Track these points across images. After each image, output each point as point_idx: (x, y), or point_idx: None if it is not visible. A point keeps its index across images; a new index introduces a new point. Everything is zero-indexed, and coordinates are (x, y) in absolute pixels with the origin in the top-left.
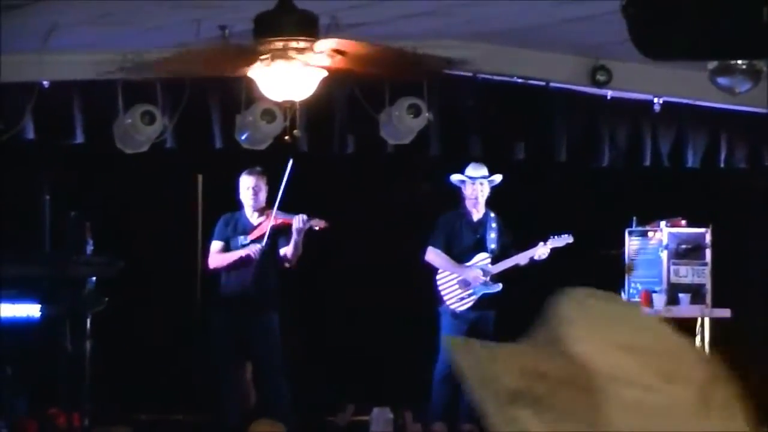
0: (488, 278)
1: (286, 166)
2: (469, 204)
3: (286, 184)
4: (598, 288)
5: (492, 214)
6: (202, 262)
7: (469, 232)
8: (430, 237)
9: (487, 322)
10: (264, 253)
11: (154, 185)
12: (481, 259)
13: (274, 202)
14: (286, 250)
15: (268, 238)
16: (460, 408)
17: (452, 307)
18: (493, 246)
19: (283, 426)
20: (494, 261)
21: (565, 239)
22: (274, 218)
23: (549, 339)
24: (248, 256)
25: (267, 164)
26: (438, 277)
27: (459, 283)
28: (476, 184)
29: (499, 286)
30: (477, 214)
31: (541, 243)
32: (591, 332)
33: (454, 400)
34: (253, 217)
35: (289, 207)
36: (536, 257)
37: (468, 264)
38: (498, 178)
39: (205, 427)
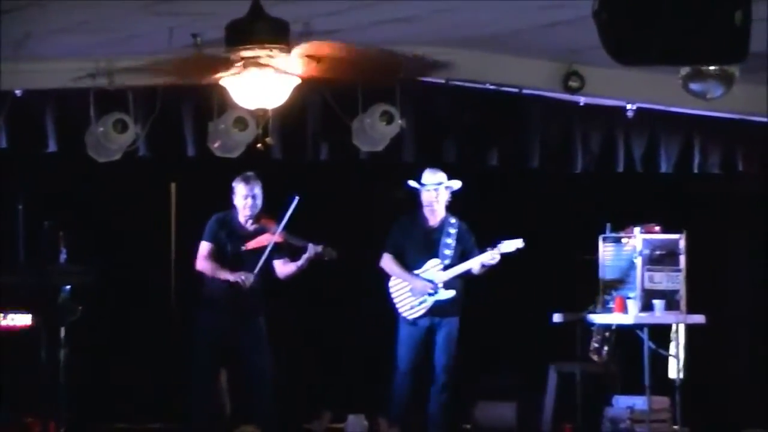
0: (440, 285)
1: (292, 199)
2: (426, 211)
3: (289, 216)
4: (573, 293)
5: (452, 220)
6: (176, 270)
7: (422, 238)
8: (386, 242)
9: (447, 329)
10: (256, 261)
11: (128, 193)
12: (432, 265)
13: (256, 209)
14: (285, 270)
15: (267, 255)
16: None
17: (404, 314)
18: (447, 252)
19: None
20: (448, 267)
21: (516, 244)
22: (279, 235)
23: None
24: (236, 283)
25: (240, 172)
26: (390, 284)
27: (411, 291)
28: (430, 191)
29: (453, 293)
30: (433, 219)
31: (489, 248)
32: None
33: (412, 405)
34: (248, 223)
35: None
36: (486, 262)
37: (419, 271)
38: (456, 184)
39: None
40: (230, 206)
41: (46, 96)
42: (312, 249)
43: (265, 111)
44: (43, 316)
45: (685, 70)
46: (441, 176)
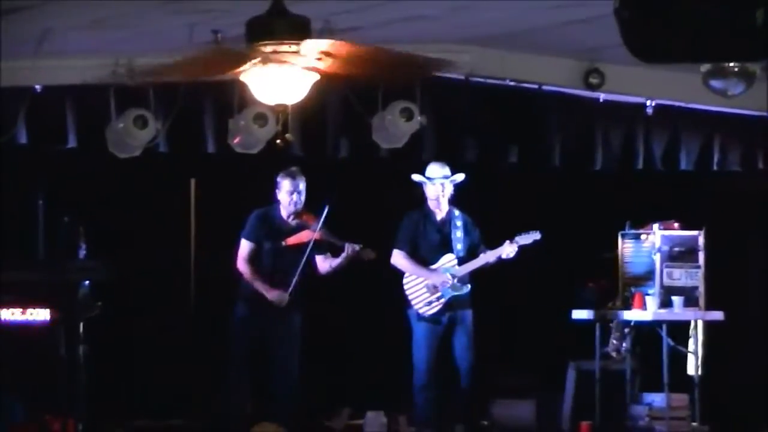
0: (455, 280)
1: (327, 199)
2: (431, 204)
3: (329, 208)
4: (592, 290)
5: (457, 213)
6: (195, 266)
7: (433, 232)
8: (396, 238)
9: (463, 323)
10: (297, 258)
11: (148, 189)
12: (448, 260)
13: (299, 205)
14: (325, 266)
15: (309, 255)
16: (447, 410)
17: (420, 311)
18: (459, 246)
19: (286, 430)
20: (462, 261)
21: (533, 236)
22: (318, 233)
23: None
24: (271, 301)
25: (259, 168)
26: (405, 280)
27: (426, 287)
28: (437, 185)
29: (468, 288)
30: (440, 213)
31: (508, 241)
32: None
33: (437, 405)
34: (290, 218)
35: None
36: (504, 256)
37: (435, 266)
38: (460, 177)
39: None
40: (252, 202)
41: (66, 92)
42: (349, 249)
43: (284, 107)
44: (62, 311)
45: (705, 68)
46: (446, 170)
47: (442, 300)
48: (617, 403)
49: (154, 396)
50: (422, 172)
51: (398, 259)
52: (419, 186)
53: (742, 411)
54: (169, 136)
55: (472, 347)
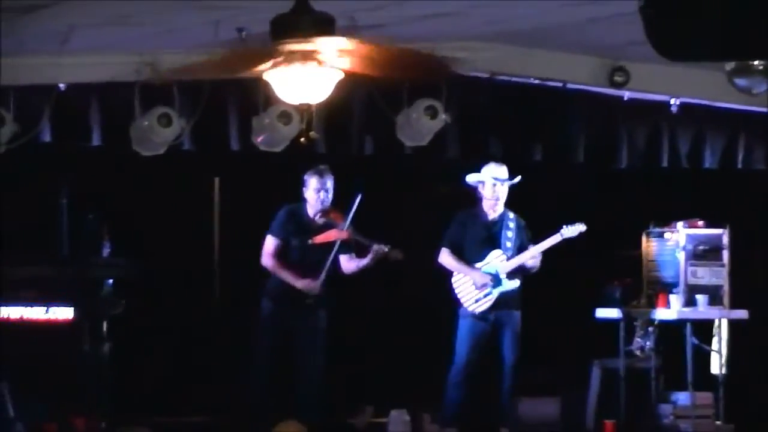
0: (503, 276)
1: (356, 195)
2: (486, 205)
3: (357, 207)
4: (617, 288)
5: (511, 215)
6: (219, 264)
7: (483, 231)
8: (444, 237)
9: (513, 325)
10: (323, 256)
11: (172, 187)
12: (496, 256)
13: (326, 203)
14: (350, 266)
15: (335, 254)
16: (474, 410)
17: (470, 309)
18: (508, 244)
19: (307, 428)
20: (511, 258)
21: (579, 228)
22: (346, 232)
23: None
24: (301, 290)
25: (284, 166)
26: (453, 279)
27: (475, 284)
28: (496, 186)
29: (517, 284)
30: (493, 214)
31: (558, 234)
32: None
33: (467, 404)
34: (316, 217)
35: None
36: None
37: (482, 263)
38: (517, 179)
39: (224, 429)
40: (276, 200)
41: (91, 90)
42: (378, 249)
43: (309, 105)
44: (86, 309)
45: (730, 66)
46: (504, 171)
47: (490, 297)
48: (642, 402)
49: (177, 393)
50: (467, 172)
51: (444, 257)
52: (460, 185)
53: (767, 410)
54: (193, 134)
55: (516, 348)
